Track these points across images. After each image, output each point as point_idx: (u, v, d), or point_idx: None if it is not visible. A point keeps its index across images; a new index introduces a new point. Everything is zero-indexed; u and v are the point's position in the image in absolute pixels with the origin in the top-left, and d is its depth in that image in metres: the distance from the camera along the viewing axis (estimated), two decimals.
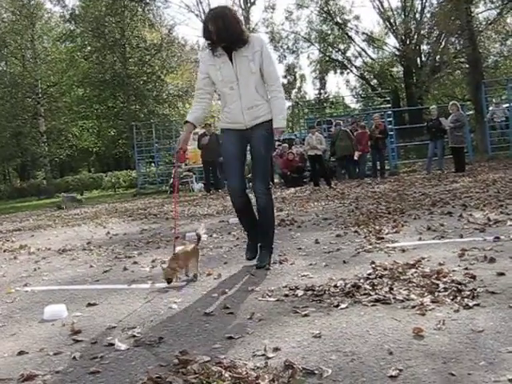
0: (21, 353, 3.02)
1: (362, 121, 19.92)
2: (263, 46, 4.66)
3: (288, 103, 47.71)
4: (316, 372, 2.35)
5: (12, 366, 2.83)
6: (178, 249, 4.54)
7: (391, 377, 2.23)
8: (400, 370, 2.27)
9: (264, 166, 4.84)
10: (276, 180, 19.23)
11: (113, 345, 2.98)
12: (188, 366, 2.52)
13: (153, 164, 27.07)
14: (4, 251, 7.70)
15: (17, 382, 2.59)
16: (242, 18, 4.48)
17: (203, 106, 4.84)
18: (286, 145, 20.09)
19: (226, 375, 2.35)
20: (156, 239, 7.35)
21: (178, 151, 5.02)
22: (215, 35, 4.53)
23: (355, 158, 17.20)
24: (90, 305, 3.96)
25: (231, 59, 4.61)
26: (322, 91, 46.24)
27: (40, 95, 32.93)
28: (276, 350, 2.66)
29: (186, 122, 4.81)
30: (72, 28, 35.85)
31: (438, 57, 34.06)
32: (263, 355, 2.60)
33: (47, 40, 36.80)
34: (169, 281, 4.28)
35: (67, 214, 14.91)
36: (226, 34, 4.51)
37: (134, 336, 3.10)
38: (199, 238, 4.80)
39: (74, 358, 2.85)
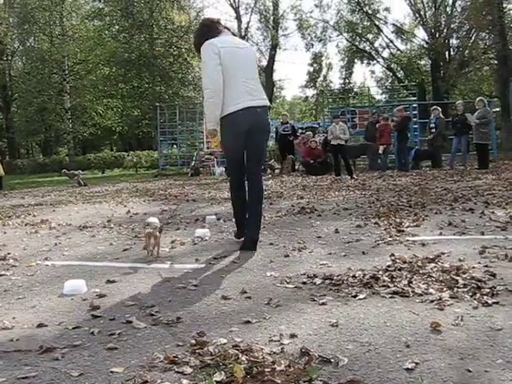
0: (40, 325, 3.06)
1: (385, 112, 19.75)
2: (202, 57, 5.00)
3: (312, 91, 47.60)
4: (332, 360, 2.35)
5: (31, 337, 2.87)
6: None
7: (407, 369, 2.23)
8: (416, 364, 2.27)
9: None
10: (297, 167, 19.21)
11: (131, 322, 3.01)
12: (205, 347, 2.54)
13: (175, 146, 27.10)
14: (25, 225, 7.78)
15: (35, 354, 2.62)
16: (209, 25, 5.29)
17: None
18: (310, 133, 20.00)
19: (243, 358, 2.36)
20: (176, 220, 7.38)
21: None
22: None
23: (380, 151, 17.14)
24: (109, 282, 4.00)
25: None
26: (347, 81, 45.94)
27: (66, 72, 33.11)
28: (292, 336, 2.67)
29: None
30: (101, 6, 36.07)
31: (467, 51, 33.63)
32: (280, 341, 2.61)
33: (76, 17, 36.94)
34: None
35: (88, 191, 15.02)
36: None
37: (152, 315, 3.13)
38: None
39: (93, 333, 2.88)
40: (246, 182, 5.21)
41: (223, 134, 5.05)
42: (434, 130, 17.23)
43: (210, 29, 5.13)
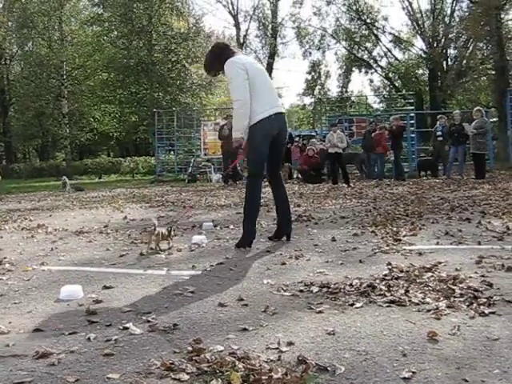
0: (36, 330, 3.05)
1: (382, 121, 19.78)
2: (226, 73, 5.40)
3: (310, 99, 47.71)
4: (329, 369, 2.35)
5: (27, 342, 2.86)
6: None
7: (404, 378, 2.23)
8: (413, 373, 2.27)
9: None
10: (295, 175, 19.24)
11: (127, 328, 3.00)
12: (201, 354, 2.53)
13: (172, 152, 27.09)
14: (22, 229, 7.77)
15: (31, 359, 2.61)
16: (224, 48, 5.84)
17: None
18: (314, 140, 20.02)
19: (240, 366, 2.36)
20: (173, 226, 7.36)
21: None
22: None
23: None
24: (105, 287, 3.99)
25: None
26: (344, 89, 45.99)
27: (64, 77, 33.16)
28: (289, 344, 2.67)
29: None
30: (100, 12, 36.09)
31: (465, 62, 33.76)
32: (277, 349, 2.61)
33: (75, 23, 37.03)
34: None
35: (85, 196, 15.01)
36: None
37: (149, 321, 3.12)
38: None
39: (89, 339, 2.87)
40: (271, 185, 5.89)
41: (253, 139, 5.36)
42: (440, 139, 17.28)
43: (223, 51, 5.57)
